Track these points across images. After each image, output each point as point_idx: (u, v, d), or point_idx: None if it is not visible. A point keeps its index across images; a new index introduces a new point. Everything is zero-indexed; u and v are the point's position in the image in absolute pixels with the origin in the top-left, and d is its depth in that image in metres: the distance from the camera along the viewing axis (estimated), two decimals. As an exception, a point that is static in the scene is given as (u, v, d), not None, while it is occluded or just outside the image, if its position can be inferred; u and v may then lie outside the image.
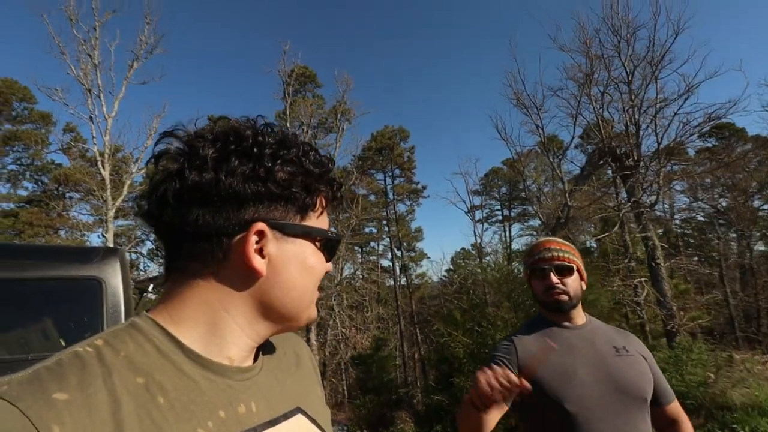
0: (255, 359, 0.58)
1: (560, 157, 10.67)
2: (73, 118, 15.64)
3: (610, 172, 11.87)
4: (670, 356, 6.70)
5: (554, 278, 1.38)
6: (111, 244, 13.01)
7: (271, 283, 0.54)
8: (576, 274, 1.41)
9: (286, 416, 0.56)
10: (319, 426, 0.61)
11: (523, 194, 25.38)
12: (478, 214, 28.48)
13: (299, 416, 0.58)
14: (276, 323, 0.57)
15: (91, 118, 12.36)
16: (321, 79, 21.88)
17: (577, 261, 1.42)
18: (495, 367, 1.06)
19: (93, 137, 12.61)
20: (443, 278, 25.44)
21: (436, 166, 52.47)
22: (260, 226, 0.52)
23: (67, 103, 12.30)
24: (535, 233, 24.82)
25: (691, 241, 27.53)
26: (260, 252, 0.52)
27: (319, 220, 0.59)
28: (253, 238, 0.51)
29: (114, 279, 2.79)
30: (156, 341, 0.49)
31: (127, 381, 0.44)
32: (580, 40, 10.19)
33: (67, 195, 22.14)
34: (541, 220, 11.03)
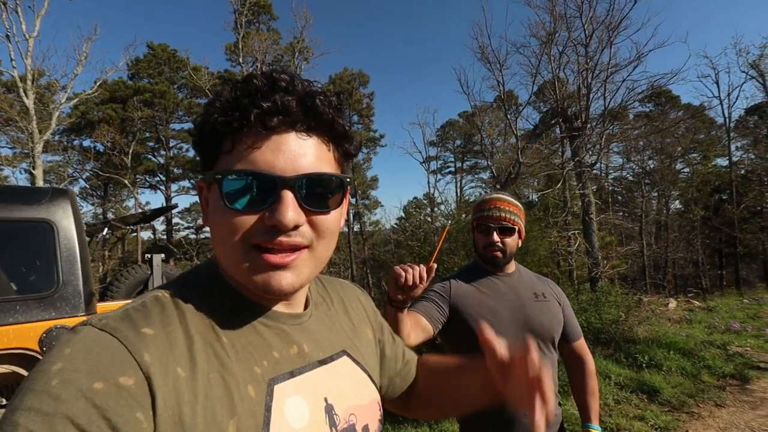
0: (306, 307, 0.63)
1: (517, 114, 11.10)
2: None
3: (558, 131, 12.57)
4: (591, 298, 7.59)
5: (496, 237, 1.50)
6: (40, 182, 12.02)
7: (211, 236, 0.54)
8: (516, 234, 1.54)
9: (332, 357, 0.61)
10: (362, 367, 0.66)
11: (476, 147, 26.14)
12: (433, 165, 29.11)
13: (345, 358, 0.63)
14: (241, 288, 0.56)
15: (8, 36, 10.91)
16: (277, 11, 20.46)
17: (520, 223, 1.53)
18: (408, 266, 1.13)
19: (12, 59, 11.17)
20: (395, 226, 26.20)
21: (395, 115, 51.85)
22: (200, 183, 0.57)
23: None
24: (484, 185, 25.94)
25: (620, 198, 30.04)
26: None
27: (230, 157, 0.50)
28: (200, 195, 0.58)
29: (65, 221, 2.68)
30: (218, 290, 0.55)
31: (197, 322, 0.50)
32: (546, -3, 10.30)
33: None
34: (493, 173, 11.64)
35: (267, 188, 0.49)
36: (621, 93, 10.15)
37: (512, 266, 1.62)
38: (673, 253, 24.11)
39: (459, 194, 28.19)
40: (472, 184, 30.34)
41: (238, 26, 15.88)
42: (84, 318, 2.56)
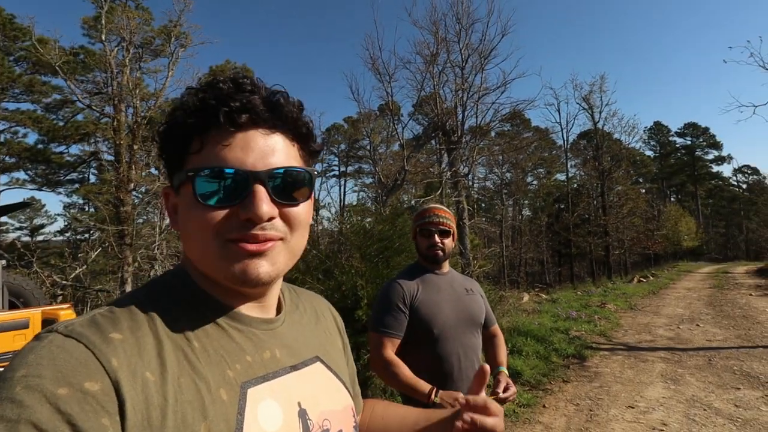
0: (278, 312, 0.64)
1: (404, 125, 11.83)
2: None
3: (434, 142, 13.70)
4: None
5: (437, 239, 1.82)
6: None
7: (183, 239, 0.56)
8: (451, 237, 1.86)
9: (305, 363, 0.61)
10: (335, 373, 0.67)
11: (360, 152, 26.88)
12: (317, 168, 29.05)
13: (318, 364, 0.64)
14: (216, 283, 0.56)
15: None
16: (148, -12, 18.29)
17: (453, 227, 1.86)
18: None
19: None
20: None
21: (278, 113, 50.48)
22: (165, 190, 0.58)
23: None
24: (367, 190, 26.75)
25: (483, 205, 33.88)
26: (176, 210, 0.57)
27: (200, 157, 0.52)
28: (164, 202, 0.58)
29: None
30: (188, 294, 0.55)
31: (167, 327, 0.50)
32: (430, 19, 11.22)
33: None
34: (379, 179, 12.17)
35: (239, 183, 0.51)
36: (489, 113, 11.57)
37: (446, 266, 1.92)
38: (525, 253, 28.03)
39: (343, 197, 28.70)
40: (356, 188, 31.17)
41: (100, -1, 13.82)
42: None
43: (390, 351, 1.69)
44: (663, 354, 6.21)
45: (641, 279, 18.23)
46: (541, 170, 33.13)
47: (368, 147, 17.14)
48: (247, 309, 0.58)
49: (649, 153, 40.61)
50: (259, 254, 0.52)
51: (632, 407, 4.29)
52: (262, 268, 0.52)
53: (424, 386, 1.60)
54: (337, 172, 32.11)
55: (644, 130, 38.26)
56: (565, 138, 28.29)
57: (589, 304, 10.91)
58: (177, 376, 0.46)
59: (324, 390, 0.62)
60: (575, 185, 31.13)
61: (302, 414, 0.56)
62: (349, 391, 0.68)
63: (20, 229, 26.24)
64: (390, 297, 1.77)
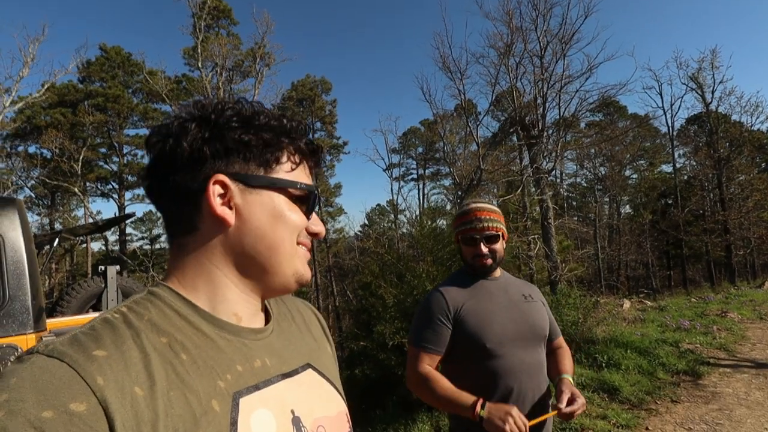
0: (267, 321, 0.65)
1: (477, 122, 11.35)
2: None
3: (515, 138, 12.96)
4: (552, 301, 7.81)
5: (483, 247, 1.55)
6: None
7: (242, 232, 0.57)
8: (501, 240, 1.59)
9: (297, 371, 0.62)
10: (327, 379, 0.68)
11: (438, 155, 26.52)
12: (396, 172, 29.29)
13: (310, 370, 0.65)
14: (260, 278, 0.60)
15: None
16: (237, 17, 20.07)
17: (502, 228, 1.58)
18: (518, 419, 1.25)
19: (-54, 57, 10.32)
20: (358, 233, 26.10)
21: (357, 122, 52.22)
22: (219, 177, 0.56)
23: None
24: (446, 192, 26.32)
25: (574, 203, 31.39)
26: (228, 204, 0.57)
27: (292, 174, 0.62)
28: (214, 189, 0.55)
29: (13, 233, 2.56)
30: (174, 306, 0.54)
31: (152, 341, 0.49)
32: (503, 9, 10.65)
33: None
34: (455, 180, 11.84)
35: (313, 206, 0.65)
36: (574, 103, 10.63)
37: (498, 271, 1.66)
38: (625, 255, 25.38)
39: (422, 201, 28.53)
40: (435, 191, 30.77)
41: (197, 30, 15.39)
42: (33, 335, 2.51)
43: (426, 365, 1.48)
44: (806, 375, 5.09)
45: (775, 283, 15.41)
46: (642, 162, 29.76)
47: (445, 148, 16.82)
48: (236, 320, 0.58)
49: (780, 135, 34.33)
50: (308, 261, 0.64)
51: (763, 438, 3.54)
52: (310, 273, 0.64)
53: (468, 398, 1.36)
54: (415, 176, 32.07)
55: (772, 109, 32.34)
56: (670, 124, 25.23)
57: (705, 313, 9.45)
58: (167, 390, 0.46)
59: (317, 396, 0.63)
60: (685, 177, 27.51)
61: (296, 422, 0.56)
62: (342, 397, 0.69)
63: (142, 238, 30.22)
64: (430, 308, 1.55)
